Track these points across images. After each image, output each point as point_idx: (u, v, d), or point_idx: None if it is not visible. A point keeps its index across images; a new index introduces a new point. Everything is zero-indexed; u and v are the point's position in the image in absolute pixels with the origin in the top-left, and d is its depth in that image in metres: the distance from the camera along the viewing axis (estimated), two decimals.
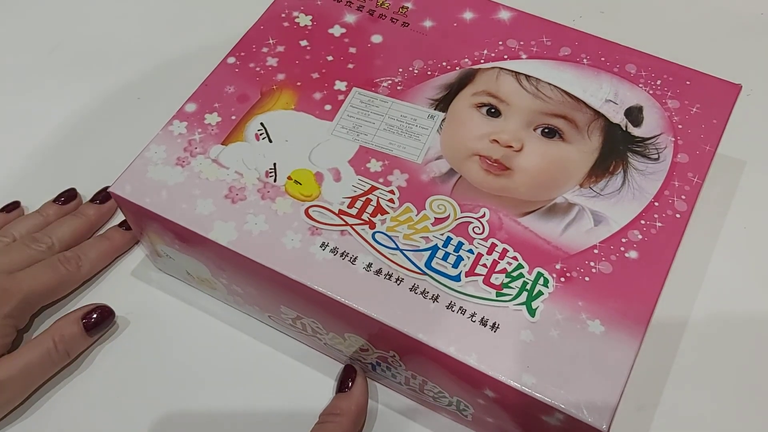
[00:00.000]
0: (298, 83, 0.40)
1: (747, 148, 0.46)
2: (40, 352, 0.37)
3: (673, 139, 0.37)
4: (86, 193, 0.45)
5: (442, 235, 0.34)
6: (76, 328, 0.39)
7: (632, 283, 0.33)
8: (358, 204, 0.36)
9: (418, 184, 0.36)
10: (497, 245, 0.34)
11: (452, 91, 0.39)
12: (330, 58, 0.41)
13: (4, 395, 0.36)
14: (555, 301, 0.32)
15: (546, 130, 0.38)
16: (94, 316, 0.39)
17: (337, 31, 0.42)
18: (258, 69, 0.41)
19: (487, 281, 0.33)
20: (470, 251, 0.34)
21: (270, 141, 0.38)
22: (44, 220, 0.43)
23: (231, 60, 0.41)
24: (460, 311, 0.32)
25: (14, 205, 0.44)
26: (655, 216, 0.35)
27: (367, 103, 0.39)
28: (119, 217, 0.45)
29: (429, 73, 0.40)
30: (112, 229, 0.44)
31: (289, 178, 0.37)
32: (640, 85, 0.39)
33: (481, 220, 0.35)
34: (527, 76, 0.39)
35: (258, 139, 0.38)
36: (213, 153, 0.38)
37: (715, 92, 0.39)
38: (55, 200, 0.44)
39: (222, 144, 0.38)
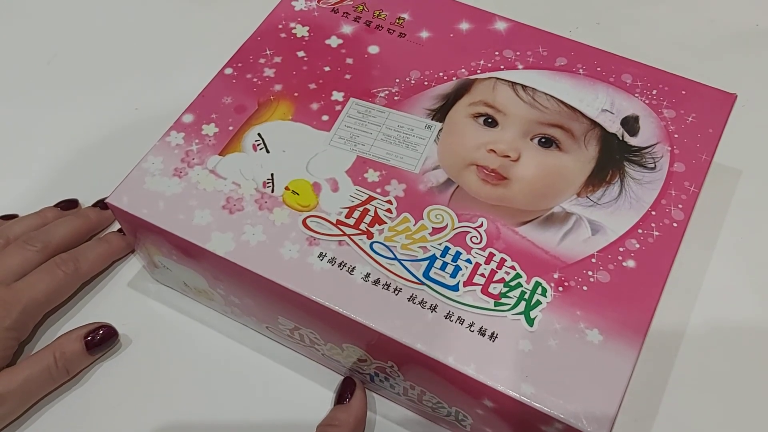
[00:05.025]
0: (296, 94, 0.40)
1: (743, 158, 0.47)
2: (39, 368, 0.37)
3: (670, 148, 0.37)
4: (84, 203, 0.45)
5: (440, 244, 0.34)
6: (77, 345, 0.38)
7: (630, 292, 0.33)
8: (356, 214, 0.36)
9: (415, 194, 0.36)
10: (495, 255, 0.34)
11: (449, 101, 0.40)
12: (327, 68, 0.41)
13: (3, 408, 0.36)
14: (553, 311, 0.32)
15: (543, 140, 0.38)
16: (98, 335, 0.39)
17: (334, 41, 0.42)
18: (255, 80, 0.41)
19: (485, 291, 0.33)
20: (468, 261, 0.34)
21: (267, 151, 0.38)
22: (42, 221, 0.43)
23: (228, 71, 0.41)
24: (458, 321, 0.32)
25: (11, 216, 0.44)
26: (652, 225, 0.35)
27: (364, 114, 0.39)
28: (118, 226, 0.45)
29: (426, 83, 0.40)
30: (110, 234, 0.43)
31: (286, 188, 0.37)
32: (636, 95, 0.39)
33: (478, 229, 0.35)
34: (524, 86, 0.40)
35: (255, 150, 0.38)
36: (210, 164, 0.38)
37: (711, 102, 0.39)
38: (55, 205, 0.44)
39: (219, 155, 0.38)
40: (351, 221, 0.35)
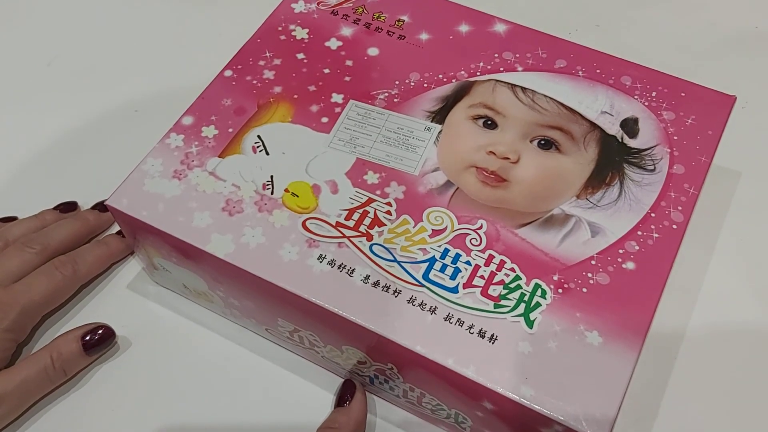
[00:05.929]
0: (295, 96, 0.40)
1: (742, 160, 0.47)
2: (36, 369, 0.37)
3: (669, 150, 0.37)
4: (83, 206, 0.45)
5: (439, 246, 0.34)
6: (74, 346, 0.38)
7: (630, 294, 0.33)
8: (356, 216, 0.36)
9: (415, 196, 0.36)
10: (495, 257, 0.34)
11: (449, 104, 0.40)
12: (327, 70, 0.41)
13: (1, 409, 0.36)
14: (553, 313, 0.32)
15: (542, 142, 0.38)
16: (95, 335, 0.39)
17: (333, 44, 0.42)
18: (255, 82, 0.41)
19: (484, 293, 0.33)
20: (468, 263, 0.34)
21: (267, 153, 0.38)
22: (41, 224, 0.42)
23: (228, 73, 0.41)
24: (458, 323, 0.32)
25: (11, 219, 0.44)
26: (652, 227, 0.35)
27: (363, 116, 0.39)
28: (117, 229, 0.45)
29: (425, 85, 0.40)
30: (109, 236, 0.44)
31: (286, 190, 0.37)
32: (636, 97, 0.39)
33: (478, 231, 0.35)
34: (523, 88, 0.40)
35: (255, 152, 0.38)
36: (210, 166, 0.38)
37: (710, 104, 0.39)
38: (55, 208, 0.44)
39: (219, 157, 0.38)
40: (350, 223, 0.35)
